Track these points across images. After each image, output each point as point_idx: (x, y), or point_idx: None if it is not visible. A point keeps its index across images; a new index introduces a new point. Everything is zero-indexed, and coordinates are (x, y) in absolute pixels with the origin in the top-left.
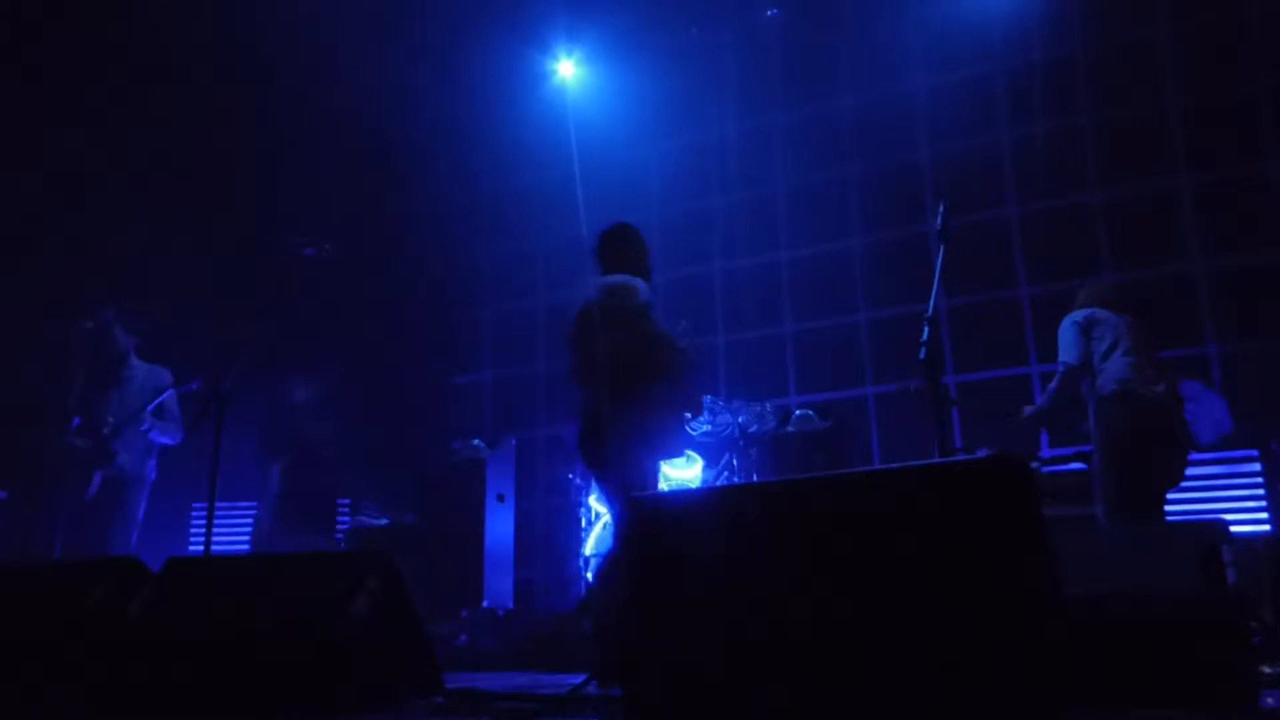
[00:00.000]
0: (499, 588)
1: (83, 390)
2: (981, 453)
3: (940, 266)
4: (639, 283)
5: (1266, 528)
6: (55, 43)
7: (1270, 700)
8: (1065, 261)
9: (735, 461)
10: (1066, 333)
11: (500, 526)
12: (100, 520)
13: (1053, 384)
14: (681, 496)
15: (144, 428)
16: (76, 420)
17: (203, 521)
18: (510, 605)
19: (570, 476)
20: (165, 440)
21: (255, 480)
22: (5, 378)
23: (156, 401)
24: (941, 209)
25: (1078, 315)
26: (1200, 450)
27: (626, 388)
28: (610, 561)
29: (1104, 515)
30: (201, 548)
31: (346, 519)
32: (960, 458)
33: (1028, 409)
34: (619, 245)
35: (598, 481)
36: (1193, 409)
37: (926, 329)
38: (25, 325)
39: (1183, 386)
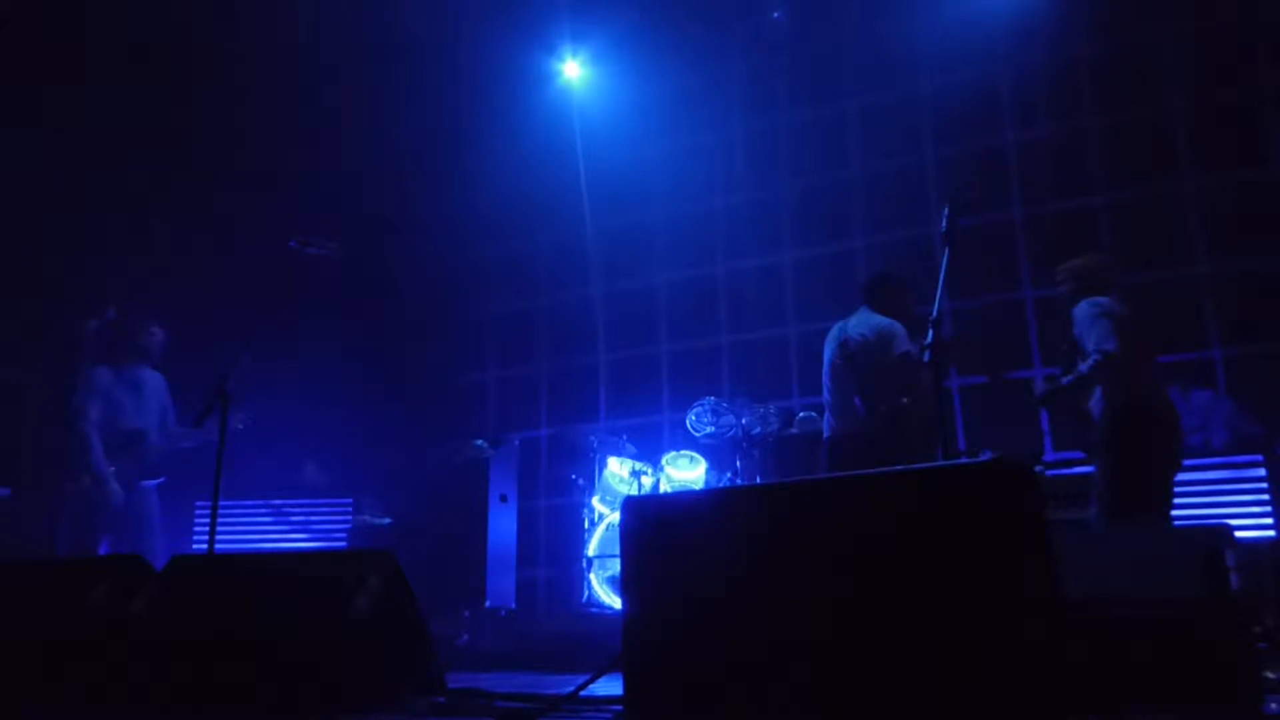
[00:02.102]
0: (501, 588)
1: (91, 387)
2: (985, 455)
3: (945, 269)
4: (901, 330)
5: (1270, 533)
6: (56, 42)
7: (1274, 706)
8: None
9: (738, 463)
10: (1100, 322)
11: (503, 526)
12: (136, 530)
13: (1085, 367)
14: (684, 498)
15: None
16: (91, 429)
17: (206, 520)
18: (513, 605)
19: (573, 477)
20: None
21: (261, 479)
22: (8, 376)
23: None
24: (946, 211)
25: (1102, 303)
26: (1215, 454)
27: (897, 424)
28: None
29: (1100, 519)
30: (204, 546)
31: (349, 519)
32: (963, 460)
33: (1041, 385)
34: (890, 292)
35: None
36: (1202, 416)
37: (931, 331)
38: (29, 324)
39: (1193, 396)
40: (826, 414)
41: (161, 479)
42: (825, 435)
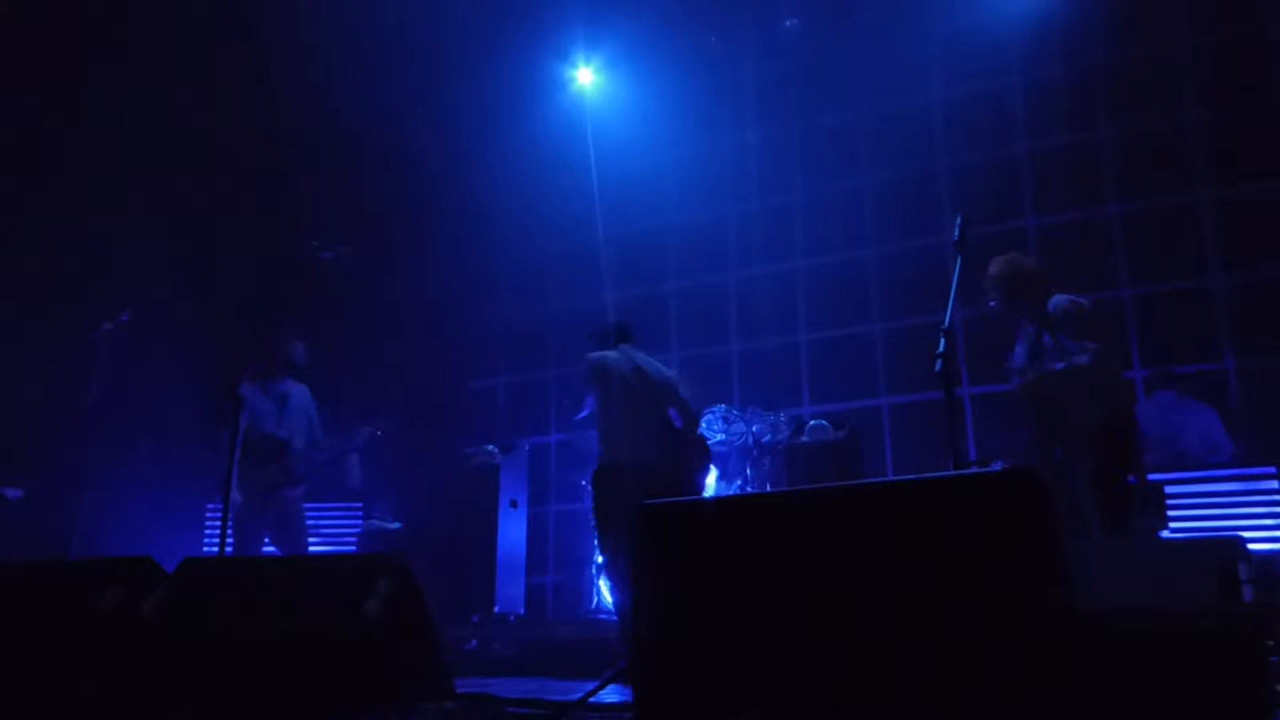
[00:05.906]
0: (511, 593)
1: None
2: (996, 465)
3: (957, 278)
4: None
5: None
6: (58, 43)
7: None
8: (1082, 274)
9: (749, 471)
10: (1094, 321)
11: (513, 532)
12: (282, 534)
13: (1086, 358)
14: (694, 505)
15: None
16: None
17: (217, 522)
18: (522, 611)
19: (583, 483)
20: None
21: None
22: (16, 378)
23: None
24: (959, 221)
25: (1082, 303)
26: (1225, 465)
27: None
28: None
29: (1103, 528)
30: (214, 548)
31: (360, 523)
32: (974, 470)
33: (1029, 371)
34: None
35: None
36: (1175, 420)
37: (943, 340)
38: (38, 328)
39: (1156, 397)
40: (618, 440)
41: (303, 487)
42: (614, 461)
